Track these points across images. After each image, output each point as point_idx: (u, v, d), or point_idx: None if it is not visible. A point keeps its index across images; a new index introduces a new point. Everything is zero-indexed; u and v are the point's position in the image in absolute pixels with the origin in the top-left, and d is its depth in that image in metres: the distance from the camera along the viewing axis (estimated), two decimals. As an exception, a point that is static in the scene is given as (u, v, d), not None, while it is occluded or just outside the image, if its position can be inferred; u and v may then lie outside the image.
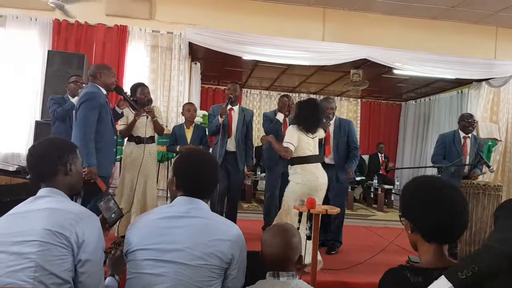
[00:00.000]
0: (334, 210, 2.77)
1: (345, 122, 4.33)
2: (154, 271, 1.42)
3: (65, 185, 1.56)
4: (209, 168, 1.63)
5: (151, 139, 4.06)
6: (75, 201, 1.65)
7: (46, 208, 1.44)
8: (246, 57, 6.39)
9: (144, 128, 3.95)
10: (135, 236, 1.51)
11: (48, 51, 5.64)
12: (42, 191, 1.54)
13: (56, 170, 1.55)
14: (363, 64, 6.68)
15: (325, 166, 4.22)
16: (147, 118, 3.90)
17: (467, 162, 4.35)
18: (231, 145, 4.25)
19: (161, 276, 1.41)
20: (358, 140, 4.38)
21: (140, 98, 3.98)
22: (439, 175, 3.88)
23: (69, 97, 4.16)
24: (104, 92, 3.23)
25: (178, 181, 1.59)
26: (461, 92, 8.00)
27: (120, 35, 6.12)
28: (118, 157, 4.59)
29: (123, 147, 4.20)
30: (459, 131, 4.49)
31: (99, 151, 3.03)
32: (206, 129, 4.70)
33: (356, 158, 4.22)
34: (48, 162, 1.55)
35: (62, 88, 4.51)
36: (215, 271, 1.44)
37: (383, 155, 8.95)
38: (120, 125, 4.05)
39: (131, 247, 1.50)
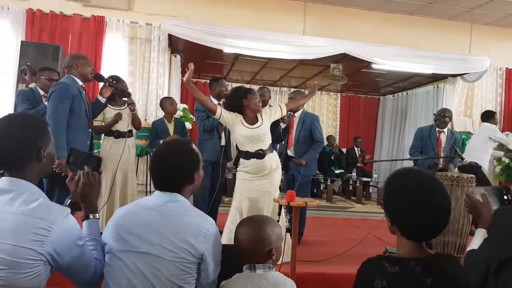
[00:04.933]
0: (313, 202, 2.81)
1: (309, 116, 4.23)
2: (128, 263, 1.40)
3: (35, 173, 1.34)
4: (176, 158, 1.52)
5: (129, 133, 3.99)
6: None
7: (12, 213, 1.21)
8: (227, 50, 6.34)
9: (124, 123, 3.88)
10: (111, 227, 1.49)
11: (22, 41, 5.47)
12: (3, 182, 1.29)
13: (28, 159, 1.31)
14: (342, 58, 6.74)
15: (288, 158, 4.17)
16: (130, 110, 3.84)
17: (442, 155, 4.47)
18: (223, 140, 4.24)
19: (134, 268, 1.40)
20: (323, 135, 4.31)
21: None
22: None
23: (39, 90, 3.91)
24: (80, 83, 3.16)
25: (151, 176, 1.58)
26: (437, 87, 8.17)
27: (97, 26, 5.99)
28: (96, 151, 4.49)
29: (101, 141, 4.11)
30: (435, 125, 4.64)
31: (69, 143, 2.94)
32: (185, 123, 4.68)
33: (314, 151, 4.11)
34: (19, 151, 1.29)
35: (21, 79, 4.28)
36: (187, 265, 1.41)
37: (359, 148, 9.10)
38: (96, 121, 3.92)
39: (107, 238, 1.47)
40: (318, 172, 8.08)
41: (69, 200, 1.55)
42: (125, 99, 3.83)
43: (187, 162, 1.53)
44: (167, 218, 1.45)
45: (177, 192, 1.51)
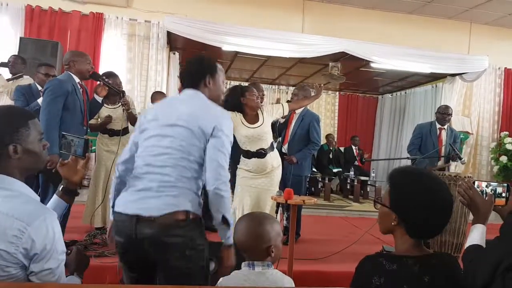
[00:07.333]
0: (311, 200, 2.81)
1: (309, 115, 4.14)
2: (155, 133, 1.68)
3: (13, 168, 1.26)
4: None
5: (124, 131, 4.01)
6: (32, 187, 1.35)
7: None
8: (226, 47, 6.34)
9: (118, 121, 3.90)
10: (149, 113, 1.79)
11: (20, 38, 5.45)
12: None
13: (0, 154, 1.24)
14: (341, 57, 6.73)
15: (282, 155, 3.93)
16: (123, 111, 3.83)
17: (443, 153, 4.46)
18: None
19: (158, 138, 1.66)
20: (321, 136, 4.21)
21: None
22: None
23: (37, 86, 3.88)
24: (77, 80, 3.15)
25: None
26: (436, 86, 8.18)
27: (96, 22, 5.97)
28: (92, 148, 4.51)
29: (97, 138, 4.13)
30: (436, 122, 4.61)
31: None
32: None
33: (308, 151, 4.02)
34: None
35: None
36: (199, 139, 1.63)
37: (357, 147, 9.11)
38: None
39: (143, 121, 1.77)
40: (316, 170, 8.10)
41: (61, 186, 1.57)
42: (119, 97, 3.83)
43: None
44: (189, 104, 1.74)
45: None
